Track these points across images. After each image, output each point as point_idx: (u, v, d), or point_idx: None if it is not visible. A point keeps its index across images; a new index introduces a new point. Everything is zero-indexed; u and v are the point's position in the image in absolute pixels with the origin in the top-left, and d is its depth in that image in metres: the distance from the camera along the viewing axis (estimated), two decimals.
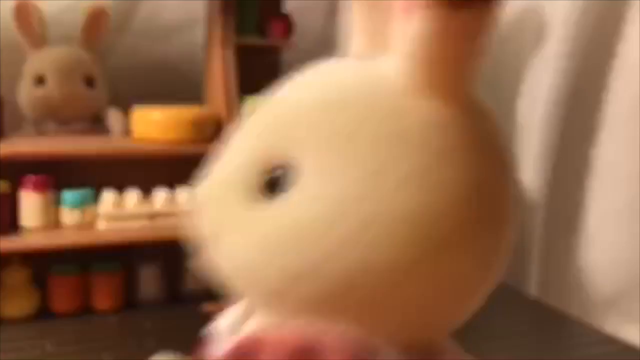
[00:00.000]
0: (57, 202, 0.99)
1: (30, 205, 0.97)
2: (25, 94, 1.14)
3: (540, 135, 1.40)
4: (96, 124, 1.13)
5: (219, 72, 1.13)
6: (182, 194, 1.01)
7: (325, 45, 1.49)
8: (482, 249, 0.35)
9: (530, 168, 1.42)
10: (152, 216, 0.99)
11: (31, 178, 0.97)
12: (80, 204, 0.98)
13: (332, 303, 0.34)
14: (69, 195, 0.98)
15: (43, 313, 0.99)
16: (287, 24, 1.20)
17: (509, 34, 1.50)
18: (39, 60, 1.13)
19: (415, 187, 0.33)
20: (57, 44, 1.13)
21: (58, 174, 1.00)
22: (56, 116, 1.12)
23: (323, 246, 0.33)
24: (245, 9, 1.17)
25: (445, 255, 0.33)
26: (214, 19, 1.15)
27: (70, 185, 0.99)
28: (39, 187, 0.97)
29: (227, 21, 1.12)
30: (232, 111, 1.12)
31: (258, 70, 1.23)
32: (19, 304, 0.97)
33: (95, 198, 1.00)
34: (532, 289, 1.38)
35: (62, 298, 0.98)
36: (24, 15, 1.11)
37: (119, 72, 1.23)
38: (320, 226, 0.33)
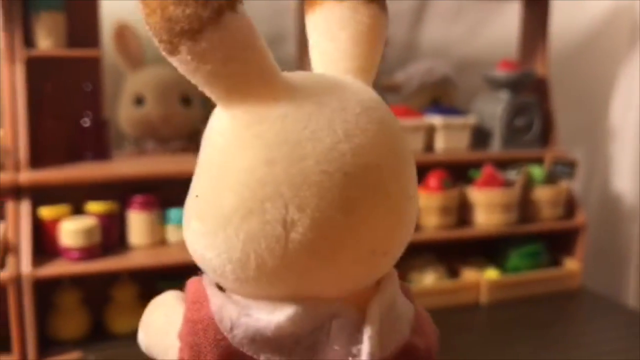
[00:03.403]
0: (163, 221, 1.02)
1: (137, 224, 1.01)
2: (125, 114, 1.17)
3: (636, 141, 1.36)
4: (193, 141, 1.16)
5: None
6: None
7: (410, 53, 1.48)
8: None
9: (626, 176, 1.38)
10: None
11: (138, 198, 1.00)
12: None
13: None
14: (174, 213, 1.01)
15: None
16: None
17: (600, 35, 1.46)
18: (138, 81, 1.16)
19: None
20: (155, 64, 1.16)
21: (161, 193, 1.03)
22: (155, 135, 1.15)
23: None
24: None
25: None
26: (304, 36, 1.15)
27: (174, 203, 1.01)
28: (145, 206, 1.00)
29: None
30: None
31: None
32: (128, 320, 1.00)
33: None
34: (631, 299, 1.35)
35: None
36: (122, 38, 1.15)
37: None
38: None
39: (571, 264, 1.25)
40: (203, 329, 0.40)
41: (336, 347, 0.39)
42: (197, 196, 0.40)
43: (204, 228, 0.39)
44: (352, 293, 0.40)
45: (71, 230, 0.95)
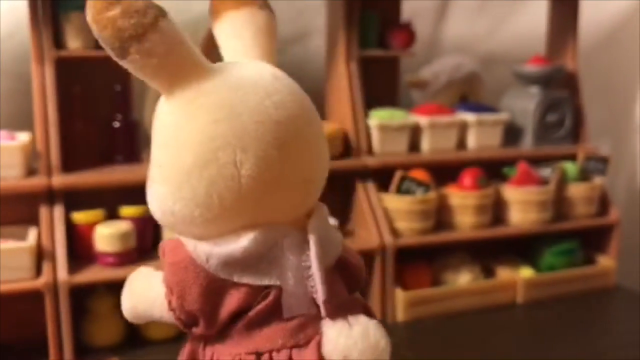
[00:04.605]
0: None
1: None
2: (151, 115, 1.15)
3: None
4: None
5: (344, 86, 1.12)
6: None
7: (434, 50, 1.46)
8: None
9: None
10: None
11: None
12: None
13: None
14: None
15: (184, 335, 1.00)
16: (408, 34, 1.18)
17: (626, 29, 1.44)
18: None
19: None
20: None
21: None
22: None
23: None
24: (367, 21, 1.15)
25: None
26: (336, 34, 1.14)
27: None
28: None
29: (351, 35, 1.11)
30: (359, 125, 1.11)
31: (378, 81, 1.21)
32: (163, 326, 0.98)
33: None
34: None
35: None
36: None
37: None
38: None
39: (605, 262, 1.24)
40: (184, 267, 0.49)
41: (290, 257, 0.50)
42: (160, 166, 0.49)
43: (169, 188, 0.48)
44: (294, 218, 0.51)
45: (106, 235, 0.93)
